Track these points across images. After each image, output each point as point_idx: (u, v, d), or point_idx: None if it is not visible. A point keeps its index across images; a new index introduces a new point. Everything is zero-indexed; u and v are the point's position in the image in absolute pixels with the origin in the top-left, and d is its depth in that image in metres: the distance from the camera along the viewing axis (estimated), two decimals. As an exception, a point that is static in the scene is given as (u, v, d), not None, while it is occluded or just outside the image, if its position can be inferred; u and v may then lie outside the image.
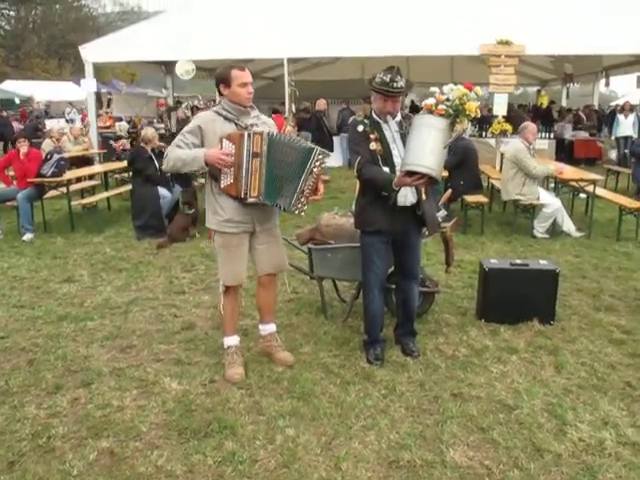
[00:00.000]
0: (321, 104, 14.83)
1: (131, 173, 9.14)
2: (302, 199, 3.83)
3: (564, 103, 21.39)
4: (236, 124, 3.87)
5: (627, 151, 14.95)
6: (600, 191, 8.65)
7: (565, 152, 15.55)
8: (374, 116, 4.09)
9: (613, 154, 16.20)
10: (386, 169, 4.00)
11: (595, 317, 5.17)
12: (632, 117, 15.96)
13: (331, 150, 13.29)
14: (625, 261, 6.97)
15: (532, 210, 8.14)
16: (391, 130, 4.06)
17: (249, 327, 4.92)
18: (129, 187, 9.48)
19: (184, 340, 4.72)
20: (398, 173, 3.91)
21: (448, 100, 3.63)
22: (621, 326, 4.98)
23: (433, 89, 3.69)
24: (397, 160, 4.01)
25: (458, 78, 20.72)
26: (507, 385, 3.95)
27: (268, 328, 4.35)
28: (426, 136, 3.60)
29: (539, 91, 23.74)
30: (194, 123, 3.93)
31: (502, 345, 4.57)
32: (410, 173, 3.71)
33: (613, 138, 16.30)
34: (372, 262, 4.25)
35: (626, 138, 15.98)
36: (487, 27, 11.15)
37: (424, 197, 4.11)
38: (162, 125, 16.59)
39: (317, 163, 3.79)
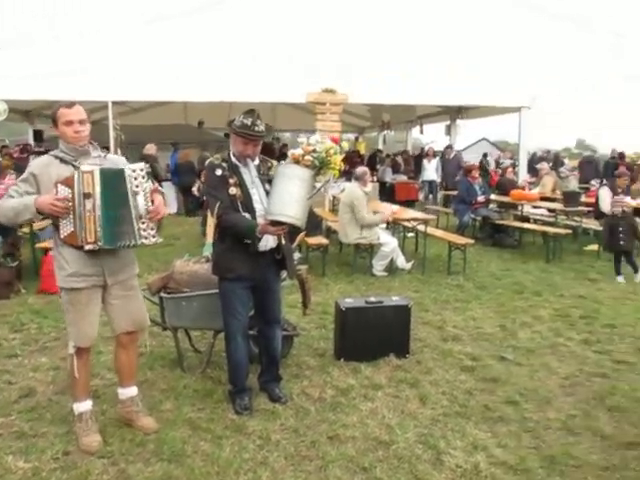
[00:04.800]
0: (150, 148, 14.44)
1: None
2: (144, 225, 3.53)
3: (381, 148, 22.88)
4: (74, 166, 3.53)
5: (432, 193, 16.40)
6: (430, 229, 9.25)
7: (387, 194, 16.51)
8: (233, 159, 4.03)
9: (421, 196, 17.44)
10: (246, 214, 3.94)
11: (444, 347, 5.45)
12: (435, 162, 17.35)
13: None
14: (459, 293, 7.48)
15: (370, 250, 8.48)
16: (250, 174, 4.02)
17: (99, 387, 4.52)
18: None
19: (24, 409, 4.19)
20: (260, 220, 3.88)
21: (315, 152, 3.68)
22: (469, 354, 5.30)
23: (301, 139, 3.73)
24: (257, 205, 3.97)
25: (281, 125, 21.40)
26: (379, 421, 4.00)
27: (128, 392, 3.97)
28: (291, 186, 3.62)
29: (357, 138, 25.15)
30: (27, 171, 3.57)
31: (365, 382, 4.63)
32: (275, 222, 3.69)
33: (420, 181, 17.58)
34: (234, 309, 4.12)
35: (430, 182, 17.34)
36: (312, 75, 11.60)
37: (284, 241, 4.10)
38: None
39: (135, 181, 3.56)
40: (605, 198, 9.90)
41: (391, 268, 8.51)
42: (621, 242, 8.45)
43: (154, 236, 3.59)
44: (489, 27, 13.58)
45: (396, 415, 4.09)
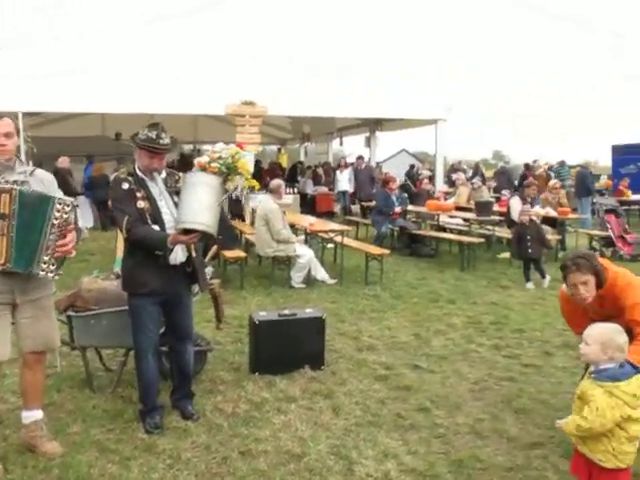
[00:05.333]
0: (63, 161, 13.99)
1: None
2: (47, 257, 3.41)
3: (302, 160, 23.04)
4: None
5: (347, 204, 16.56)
6: (347, 240, 9.36)
7: (308, 206, 16.63)
8: (139, 173, 3.95)
9: (337, 207, 17.59)
10: (156, 227, 3.88)
11: (359, 358, 5.50)
12: (347, 173, 17.53)
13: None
14: (376, 303, 7.58)
15: (288, 262, 8.49)
16: (158, 187, 3.96)
17: (2, 412, 4.27)
18: None
19: None
20: (170, 231, 3.82)
21: (221, 158, 3.67)
22: (382, 363, 5.37)
23: (206, 147, 3.71)
24: (167, 217, 3.92)
25: (202, 137, 21.24)
26: (292, 434, 3.99)
27: (33, 415, 3.78)
28: (200, 193, 3.59)
29: (279, 150, 25.25)
30: None
31: (280, 396, 4.62)
32: (186, 231, 3.65)
33: (335, 192, 17.73)
34: (144, 325, 4.03)
35: (344, 192, 17.51)
36: (232, 88, 11.58)
37: (194, 254, 4.06)
38: None
39: (57, 214, 3.45)
40: (515, 207, 10.31)
41: (309, 280, 8.54)
42: (529, 250, 8.80)
43: (52, 272, 3.48)
44: (407, 42, 13.95)
45: (309, 427, 4.10)
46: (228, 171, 3.66)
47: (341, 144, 20.05)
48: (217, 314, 4.96)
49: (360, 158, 17.67)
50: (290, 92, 12.08)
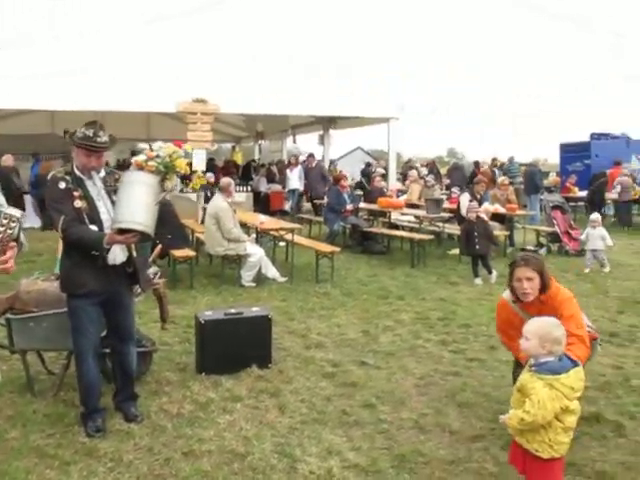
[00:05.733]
0: (7, 160, 13.62)
1: None
2: None
3: (257, 158, 22.94)
4: None
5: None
6: (298, 239, 9.37)
7: (262, 204, 16.56)
8: (76, 172, 3.88)
9: (287, 205, 17.48)
10: (94, 227, 3.81)
11: (307, 355, 5.52)
12: (297, 171, 17.25)
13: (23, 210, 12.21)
14: (326, 301, 7.61)
15: (238, 261, 8.45)
16: (96, 186, 3.89)
17: None
18: None
19: None
20: (107, 231, 3.77)
21: (158, 157, 3.62)
22: (330, 360, 5.39)
23: (143, 146, 3.67)
24: (105, 217, 3.86)
25: (155, 134, 20.94)
26: (236, 434, 3.98)
27: None
28: (137, 193, 3.55)
29: (234, 147, 25.09)
30: None
31: (226, 395, 4.60)
32: (122, 231, 3.59)
33: (286, 190, 17.57)
34: (84, 327, 3.97)
35: (294, 191, 17.16)
36: (183, 85, 11.45)
37: (134, 254, 4.00)
38: None
39: (1, 228, 3.33)
40: (465, 204, 10.48)
41: (260, 278, 8.52)
42: (477, 246, 8.96)
43: None
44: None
45: (254, 426, 4.09)
46: (166, 170, 3.62)
47: (294, 142, 19.98)
48: (162, 314, 4.92)
49: (311, 156, 17.62)
50: (243, 89, 12.01)
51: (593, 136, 22.02)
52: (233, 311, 5.15)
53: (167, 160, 3.62)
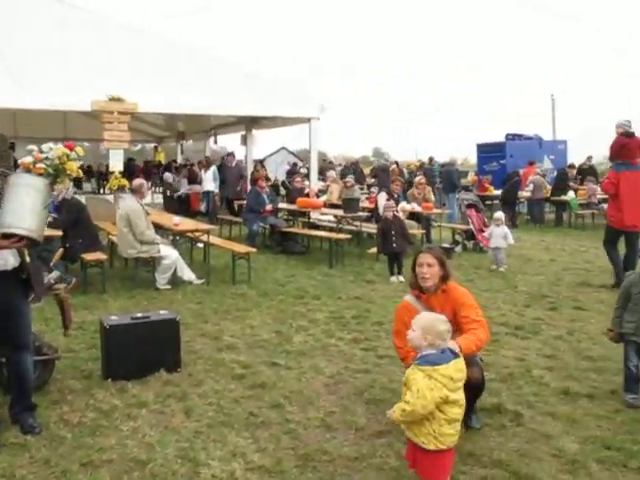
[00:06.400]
0: None
1: None
2: None
3: (179, 159, 22.58)
4: None
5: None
6: (215, 239, 9.27)
7: (182, 205, 16.29)
8: (-37, 173, 3.70)
9: (202, 206, 17.09)
10: None
11: (218, 357, 5.46)
12: (210, 172, 16.68)
13: None
14: (242, 302, 7.56)
15: (153, 263, 8.29)
16: (-16, 188, 3.72)
17: None
18: None
19: None
20: None
21: (47, 159, 3.49)
22: (241, 362, 5.36)
23: (31, 147, 3.52)
24: None
25: (72, 134, 20.27)
26: (139, 440, 3.89)
27: None
28: (24, 196, 3.41)
29: (156, 147, 24.63)
30: None
31: (131, 401, 4.50)
32: (8, 235, 3.45)
33: (201, 192, 17.18)
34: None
35: (208, 192, 16.56)
36: (99, 83, 11.08)
37: (27, 259, 3.86)
38: None
39: None
40: (382, 203, 10.65)
41: (175, 281, 8.39)
42: (394, 245, 9.13)
43: None
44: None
45: (158, 432, 4.02)
46: (55, 172, 3.50)
47: (215, 142, 19.76)
48: (64, 321, 4.75)
49: (230, 155, 17.40)
50: (161, 88, 11.76)
51: (508, 137, 22.82)
52: (139, 315, 5.05)
53: (56, 162, 3.50)
